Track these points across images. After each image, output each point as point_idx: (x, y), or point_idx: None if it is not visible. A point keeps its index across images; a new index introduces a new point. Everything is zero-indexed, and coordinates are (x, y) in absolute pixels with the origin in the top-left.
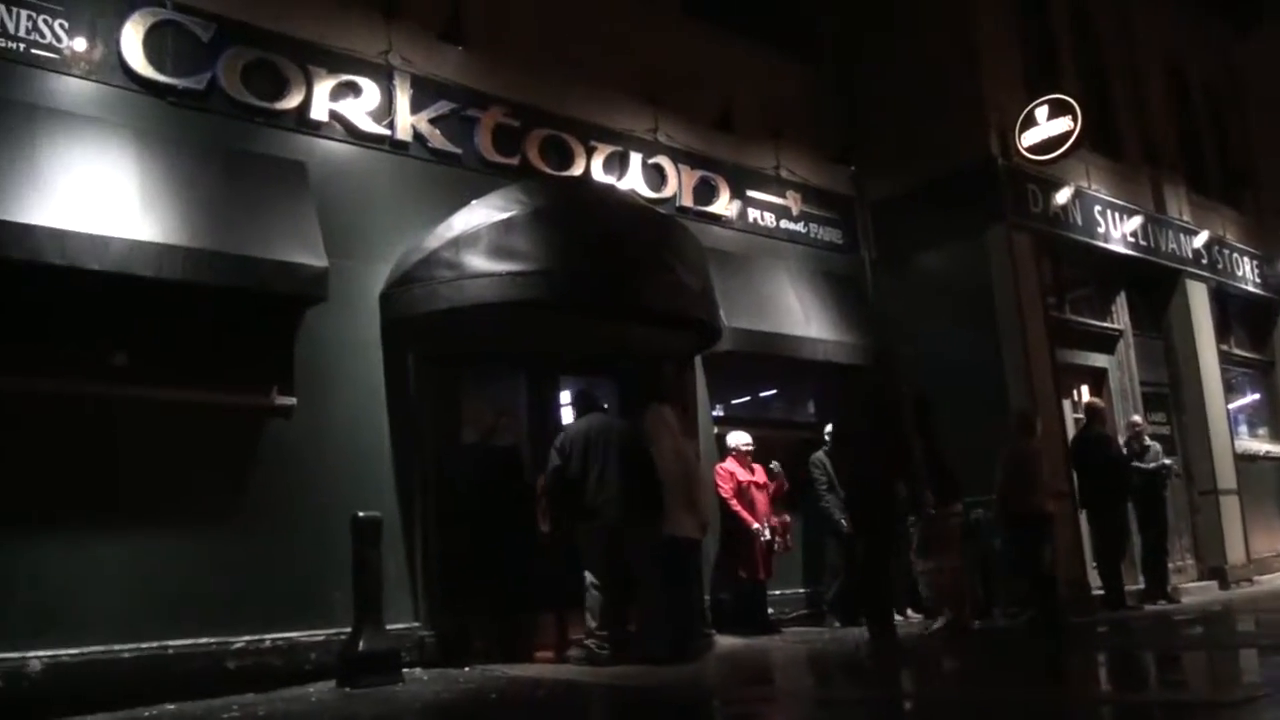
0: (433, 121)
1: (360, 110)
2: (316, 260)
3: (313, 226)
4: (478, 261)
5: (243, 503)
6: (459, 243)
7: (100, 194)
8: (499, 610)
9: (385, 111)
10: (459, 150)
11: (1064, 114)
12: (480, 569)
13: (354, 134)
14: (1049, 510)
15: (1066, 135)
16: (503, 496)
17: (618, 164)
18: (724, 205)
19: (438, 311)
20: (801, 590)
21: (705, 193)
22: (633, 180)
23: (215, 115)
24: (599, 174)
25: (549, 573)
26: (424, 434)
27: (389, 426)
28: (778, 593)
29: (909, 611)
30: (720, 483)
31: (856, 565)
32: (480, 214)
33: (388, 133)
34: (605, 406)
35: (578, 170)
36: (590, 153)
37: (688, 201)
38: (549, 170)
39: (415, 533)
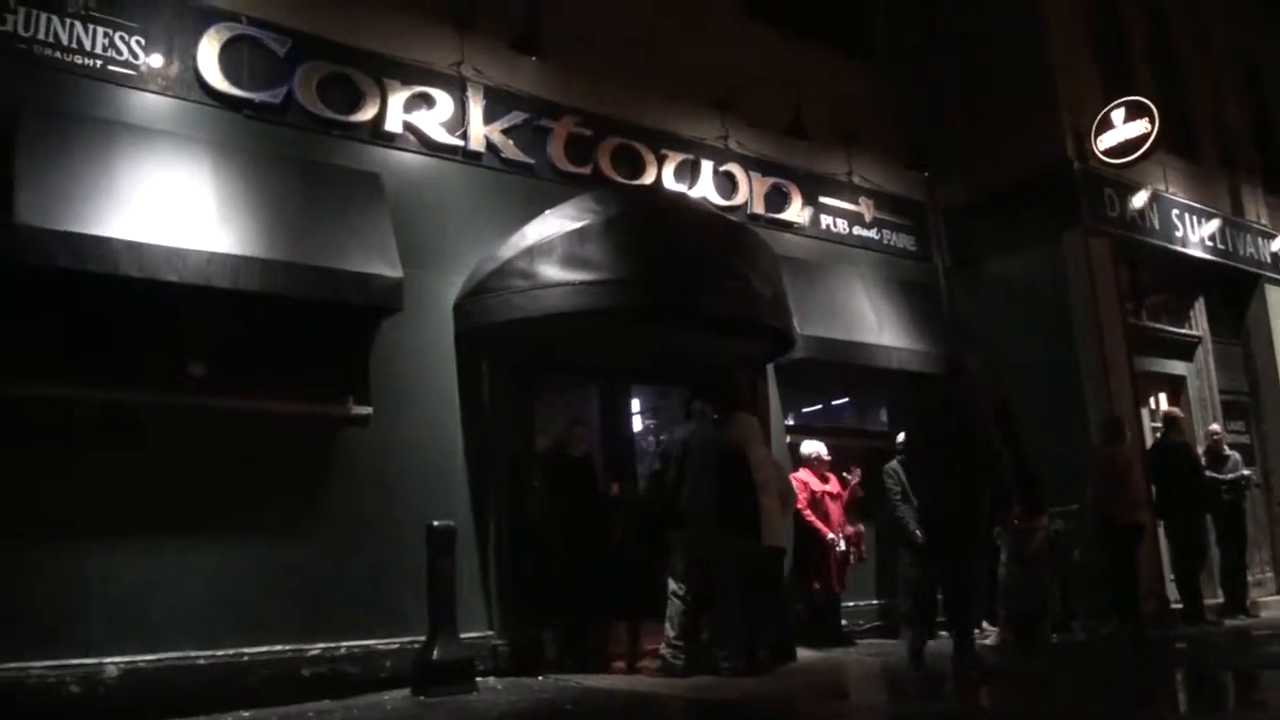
0: (505, 132)
1: (434, 121)
2: (392, 271)
3: (388, 237)
4: (551, 271)
5: (319, 511)
6: (533, 252)
7: (177, 207)
8: (571, 620)
9: (459, 122)
10: (531, 160)
11: (1141, 116)
12: (553, 578)
13: (428, 145)
14: (1141, 520)
15: (1144, 138)
16: (576, 505)
17: (689, 172)
18: (796, 212)
19: (511, 321)
20: (875, 602)
21: (777, 200)
22: (704, 188)
23: (291, 128)
24: (670, 182)
25: (621, 582)
26: (498, 443)
27: (463, 436)
28: (851, 604)
29: (984, 625)
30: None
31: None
32: (553, 224)
33: (461, 143)
34: (714, 416)
35: (649, 179)
36: (661, 161)
37: (759, 209)
38: (620, 179)
39: (489, 542)
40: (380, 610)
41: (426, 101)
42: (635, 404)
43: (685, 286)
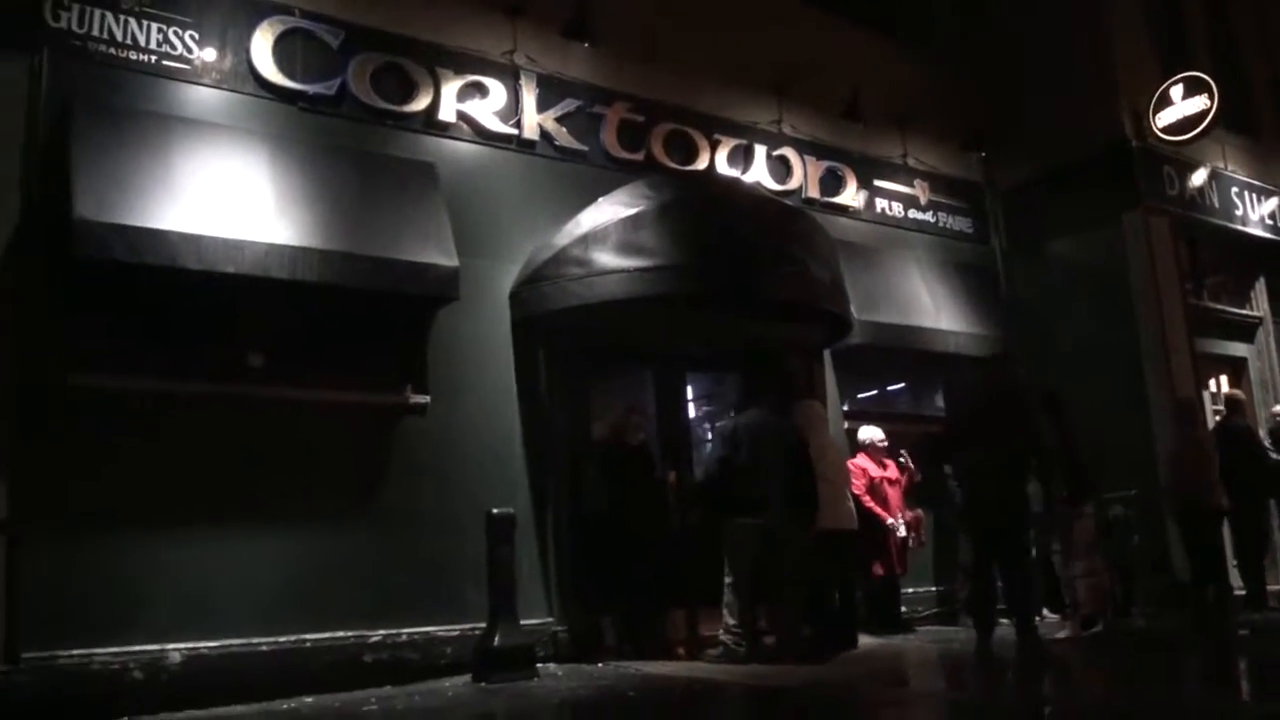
0: (559, 119)
1: (487, 110)
2: (448, 260)
3: (444, 227)
4: (606, 258)
5: (378, 499)
6: (587, 240)
7: (234, 199)
8: (630, 607)
9: (512, 111)
10: (585, 147)
11: (1200, 92)
12: (611, 565)
13: (481, 134)
14: (1221, 504)
15: (1203, 114)
16: (634, 492)
17: (742, 157)
18: (851, 196)
19: (567, 309)
20: (934, 588)
21: (831, 184)
22: (758, 173)
23: (346, 120)
24: (723, 168)
25: (679, 569)
26: (555, 431)
27: (520, 423)
28: (910, 590)
29: (1045, 612)
30: (853, 479)
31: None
32: (608, 210)
33: (515, 132)
34: (771, 402)
35: (702, 164)
36: (715, 146)
37: (814, 193)
38: (673, 165)
39: (547, 529)
40: (440, 597)
41: (479, 90)
42: (690, 391)
43: (741, 272)
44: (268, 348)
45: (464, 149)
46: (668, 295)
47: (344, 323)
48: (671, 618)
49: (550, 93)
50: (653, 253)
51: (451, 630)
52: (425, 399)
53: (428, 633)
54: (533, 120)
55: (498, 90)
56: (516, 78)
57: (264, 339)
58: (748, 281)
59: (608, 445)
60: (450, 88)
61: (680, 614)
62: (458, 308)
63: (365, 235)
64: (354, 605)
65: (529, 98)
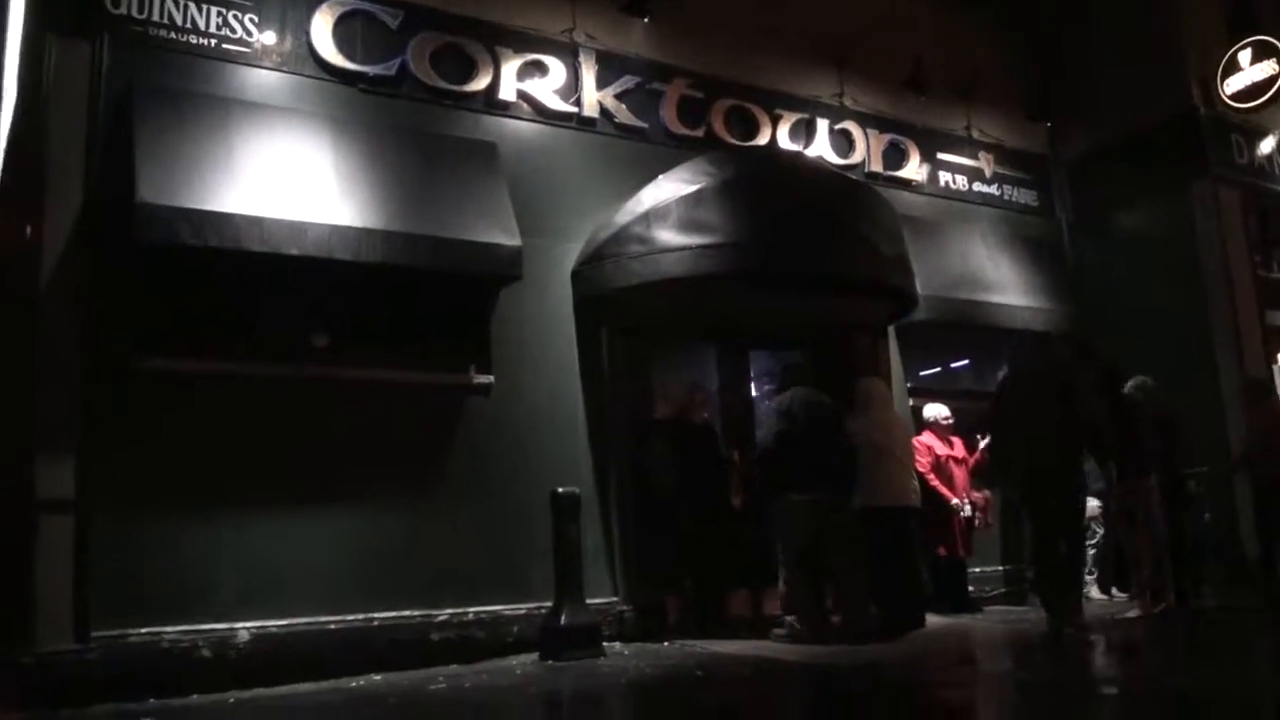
0: (619, 96)
1: (547, 89)
2: (511, 240)
3: (505, 206)
4: (668, 235)
5: (444, 478)
6: (649, 217)
7: (297, 181)
8: (696, 585)
9: (572, 89)
10: (645, 124)
11: (1269, 57)
12: (676, 544)
13: (542, 113)
14: None
15: (1272, 79)
16: (697, 471)
17: (803, 131)
18: (914, 169)
19: (629, 287)
20: (1001, 568)
21: (894, 157)
22: (819, 147)
23: (406, 100)
24: (785, 142)
25: (743, 547)
26: (618, 410)
27: (584, 403)
28: (977, 570)
29: (1114, 590)
30: (918, 457)
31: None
32: (669, 188)
33: (575, 110)
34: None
35: (763, 139)
36: (775, 121)
37: (876, 167)
38: (734, 141)
39: (611, 507)
40: (507, 576)
41: (539, 69)
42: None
43: (805, 248)
44: (331, 329)
45: (524, 128)
46: (730, 272)
47: (407, 304)
48: (736, 596)
49: (610, 70)
50: (715, 230)
51: (518, 609)
52: (489, 379)
53: (494, 611)
54: (592, 98)
55: (557, 69)
56: (575, 55)
57: (327, 321)
58: (812, 258)
59: (672, 423)
60: (510, 67)
61: (744, 592)
62: (519, 287)
63: (427, 216)
64: (421, 584)
65: (588, 75)
